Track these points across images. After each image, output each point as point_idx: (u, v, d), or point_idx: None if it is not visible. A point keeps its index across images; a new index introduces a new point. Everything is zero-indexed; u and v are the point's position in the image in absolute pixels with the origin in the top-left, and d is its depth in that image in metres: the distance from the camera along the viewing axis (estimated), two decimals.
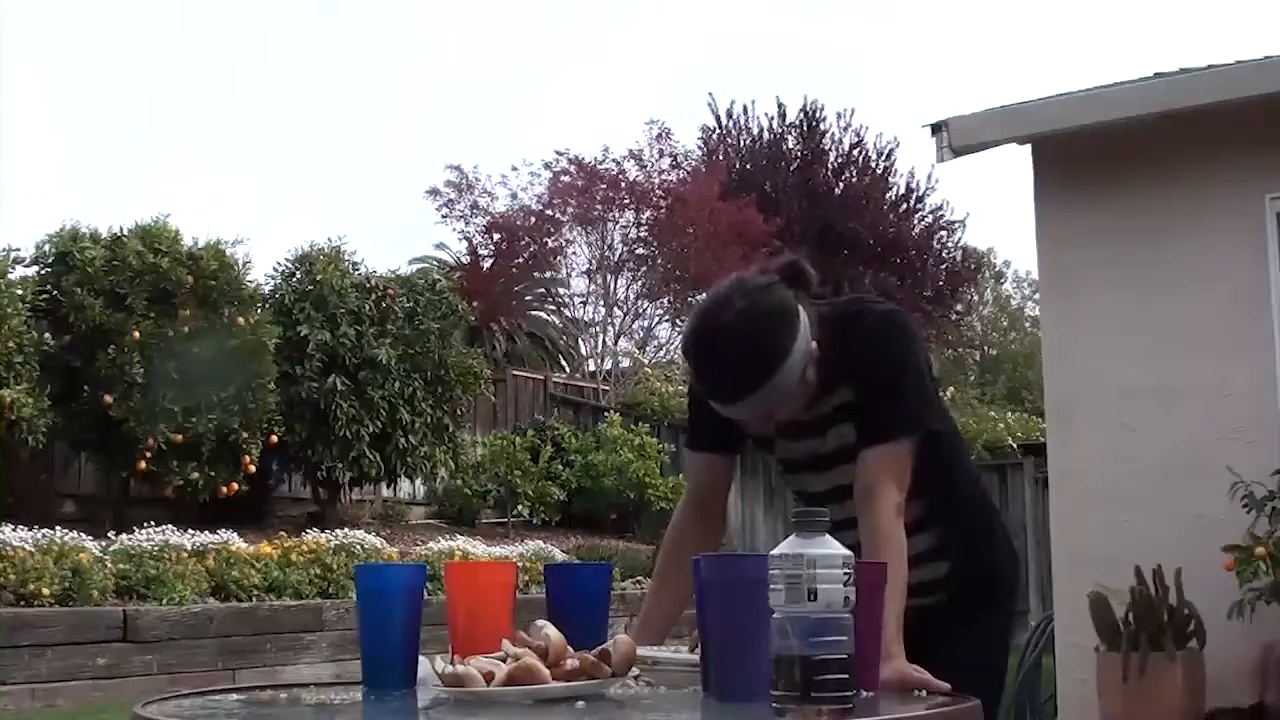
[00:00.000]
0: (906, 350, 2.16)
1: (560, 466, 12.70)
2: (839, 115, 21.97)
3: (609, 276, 18.40)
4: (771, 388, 2.01)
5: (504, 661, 1.60)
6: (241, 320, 9.54)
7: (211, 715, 1.71)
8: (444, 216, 19.08)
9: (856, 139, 21.87)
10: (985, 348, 30.34)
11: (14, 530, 7.59)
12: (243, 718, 1.80)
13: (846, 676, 1.39)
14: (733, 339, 2.00)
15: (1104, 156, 5.82)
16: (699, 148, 21.67)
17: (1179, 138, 5.59)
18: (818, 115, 21.91)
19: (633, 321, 18.97)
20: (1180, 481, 5.39)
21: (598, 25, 43.94)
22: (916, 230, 22.11)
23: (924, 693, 1.77)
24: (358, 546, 9.06)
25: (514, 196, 18.82)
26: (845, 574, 1.41)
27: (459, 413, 11.44)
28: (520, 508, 12.19)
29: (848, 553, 1.43)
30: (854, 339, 2.14)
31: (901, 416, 2.12)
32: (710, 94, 24.34)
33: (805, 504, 2.25)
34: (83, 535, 7.96)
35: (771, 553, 1.43)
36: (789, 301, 2.04)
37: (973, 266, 23.60)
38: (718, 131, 22.22)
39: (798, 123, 21.98)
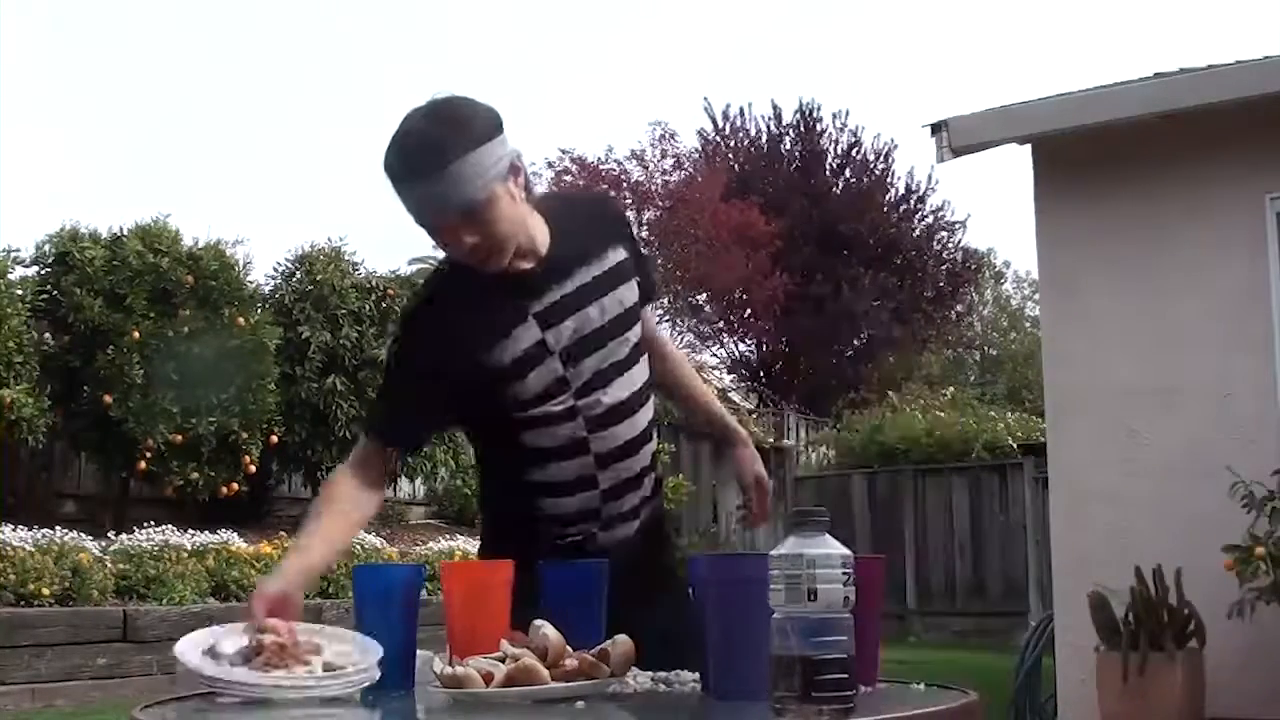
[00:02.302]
0: None
1: None
2: (834, 116, 22.01)
3: None
4: (471, 166, 1.96)
5: (502, 662, 1.60)
6: (241, 320, 9.54)
7: (211, 716, 1.71)
8: None
9: (854, 139, 21.89)
10: (985, 348, 30.34)
11: (14, 530, 7.59)
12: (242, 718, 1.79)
13: (846, 676, 1.39)
14: (430, 113, 2.01)
15: (1104, 156, 5.82)
16: (698, 150, 21.70)
17: (1179, 138, 5.59)
18: (814, 116, 21.92)
19: None
20: (1180, 481, 5.39)
21: (601, 24, 43.98)
22: (917, 231, 22.13)
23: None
24: (357, 546, 9.06)
25: None
26: (844, 574, 1.41)
27: None
28: None
29: (847, 552, 1.43)
30: (607, 206, 2.56)
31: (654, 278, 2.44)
32: (706, 98, 24.36)
33: (606, 381, 2.17)
34: (83, 535, 7.97)
35: (771, 553, 1.43)
36: (489, 110, 2.04)
37: (973, 267, 23.60)
38: (716, 134, 22.23)
39: (795, 124, 22.00)
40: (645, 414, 2.23)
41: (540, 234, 2.13)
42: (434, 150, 1.96)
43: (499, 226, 2.02)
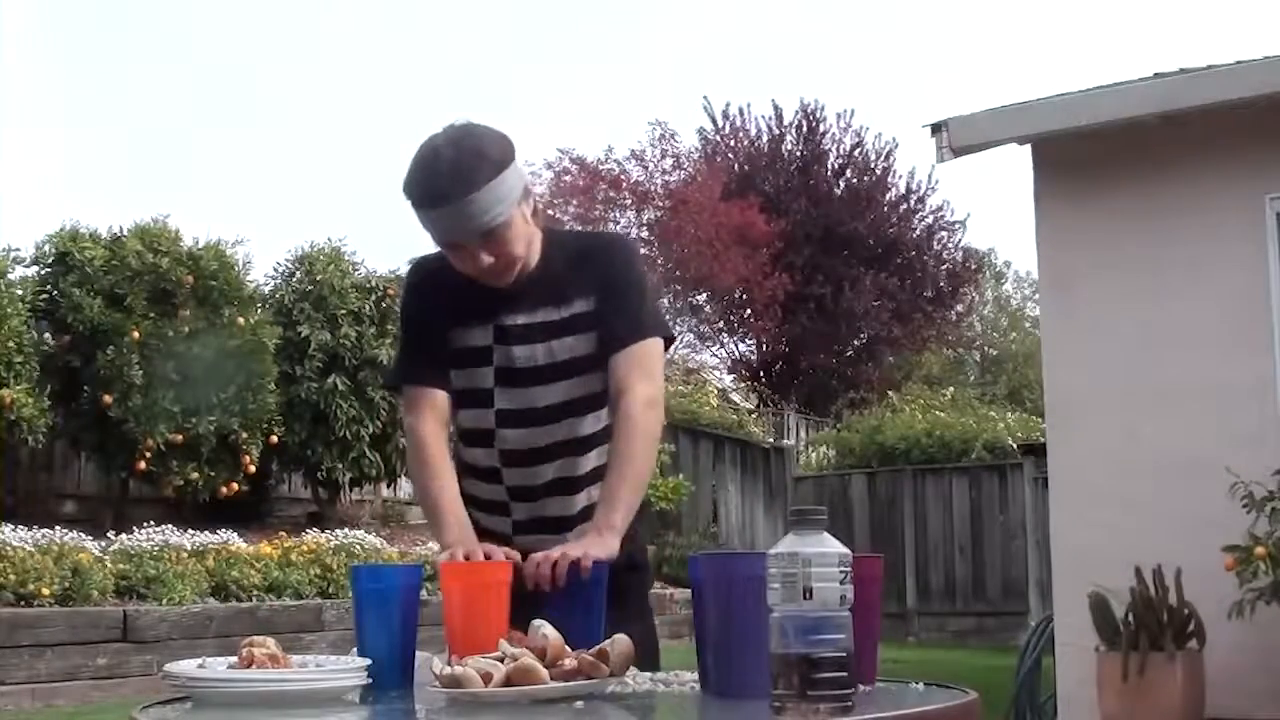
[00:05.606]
0: (642, 267, 2.39)
1: None
2: (839, 116, 21.96)
3: None
4: (493, 192, 2.09)
5: (501, 662, 1.60)
6: (241, 320, 9.54)
7: (211, 716, 1.71)
8: None
9: (857, 139, 21.85)
10: (985, 348, 30.33)
11: (14, 530, 7.59)
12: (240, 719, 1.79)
13: (845, 674, 1.39)
14: (455, 142, 2.13)
15: (1104, 156, 5.82)
16: (698, 149, 21.67)
17: (1179, 138, 5.59)
18: (817, 116, 21.88)
19: None
20: (1180, 481, 5.39)
21: (601, 23, 43.98)
22: (917, 231, 22.09)
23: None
24: (358, 546, 9.06)
25: None
26: (842, 572, 1.41)
27: None
28: None
29: (844, 551, 1.43)
30: (597, 253, 2.32)
31: (650, 319, 2.28)
32: (705, 97, 24.32)
33: (529, 423, 2.27)
34: (83, 535, 7.96)
35: (768, 551, 1.43)
36: (505, 138, 2.18)
37: (973, 267, 23.56)
38: (716, 133, 22.19)
39: (797, 124, 21.95)
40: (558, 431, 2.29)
41: (533, 260, 2.26)
42: (461, 179, 2.09)
43: (513, 247, 2.17)
